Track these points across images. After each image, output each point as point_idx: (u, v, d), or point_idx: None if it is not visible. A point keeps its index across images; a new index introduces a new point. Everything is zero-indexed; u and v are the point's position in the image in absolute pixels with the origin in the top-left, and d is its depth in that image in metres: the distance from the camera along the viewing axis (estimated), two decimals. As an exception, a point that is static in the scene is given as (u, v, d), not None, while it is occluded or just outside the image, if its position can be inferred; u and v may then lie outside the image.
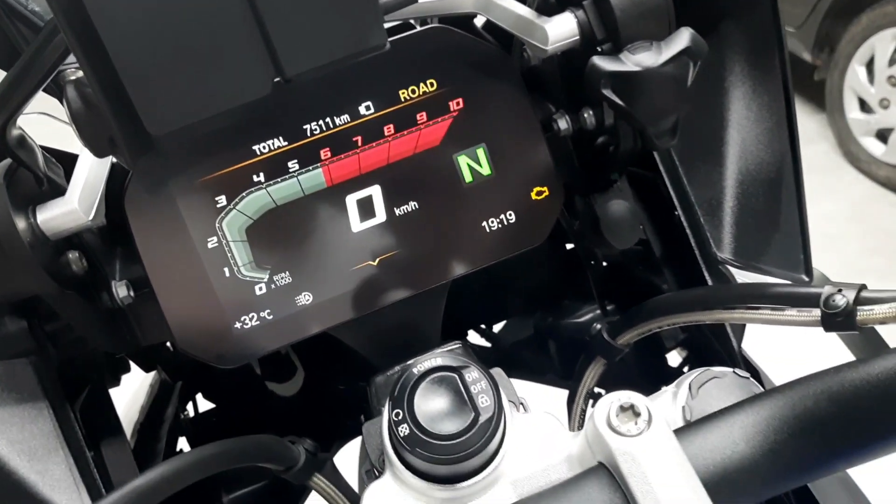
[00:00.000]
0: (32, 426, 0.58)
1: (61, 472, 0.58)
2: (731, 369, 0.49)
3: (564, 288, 0.89)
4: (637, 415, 0.39)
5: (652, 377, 0.85)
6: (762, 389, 0.48)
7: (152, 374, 0.84)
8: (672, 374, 0.84)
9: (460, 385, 0.45)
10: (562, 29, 0.56)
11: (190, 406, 0.87)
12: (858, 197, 3.17)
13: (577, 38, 0.56)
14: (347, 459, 0.93)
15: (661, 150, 0.64)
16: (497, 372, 0.53)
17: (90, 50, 0.38)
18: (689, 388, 0.48)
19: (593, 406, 0.68)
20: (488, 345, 0.93)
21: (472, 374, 0.45)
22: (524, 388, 0.89)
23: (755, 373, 0.63)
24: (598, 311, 0.88)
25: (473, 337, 0.93)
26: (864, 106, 3.18)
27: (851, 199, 3.16)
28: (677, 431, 0.40)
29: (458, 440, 0.43)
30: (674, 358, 0.88)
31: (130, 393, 0.85)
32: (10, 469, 0.56)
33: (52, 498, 0.56)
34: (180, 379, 0.81)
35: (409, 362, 0.56)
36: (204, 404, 0.86)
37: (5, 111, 0.46)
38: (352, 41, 0.41)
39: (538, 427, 0.48)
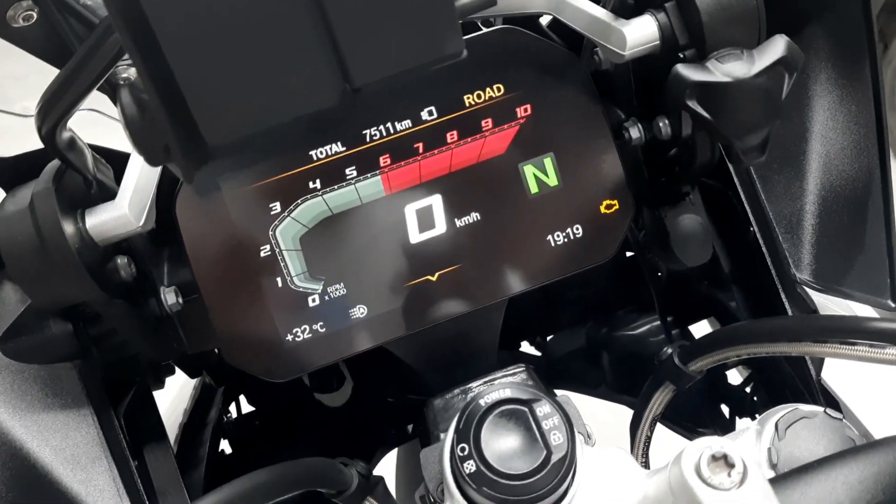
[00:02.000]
0: (76, 433, 0.57)
1: (105, 482, 0.56)
2: (821, 409, 0.45)
3: (620, 298, 0.86)
4: (730, 466, 0.36)
5: (712, 394, 0.81)
6: (856, 433, 0.44)
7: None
8: (732, 393, 0.80)
9: (531, 420, 0.42)
10: (641, 33, 0.52)
11: (233, 406, 0.85)
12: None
13: (658, 43, 0.52)
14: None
15: (746, 166, 0.59)
16: (564, 399, 0.49)
17: (147, 53, 0.35)
18: (776, 427, 0.44)
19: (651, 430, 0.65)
20: (538, 354, 0.90)
21: (544, 409, 0.42)
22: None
23: (835, 404, 0.59)
24: (655, 323, 0.84)
25: (523, 346, 0.90)
26: (917, 104, 3.06)
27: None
28: (773, 485, 0.36)
29: (528, 480, 0.40)
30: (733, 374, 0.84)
31: (174, 392, 0.84)
32: (54, 478, 0.54)
33: None
34: (225, 383, 0.79)
35: (470, 385, 0.53)
36: (247, 404, 0.84)
37: (56, 113, 0.44)
38: (426, 49, 0.38)
39: (610, 464, 0.44)
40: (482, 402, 0.42)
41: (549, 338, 0.89)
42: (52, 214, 0.46)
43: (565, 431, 0.41)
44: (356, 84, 0.37)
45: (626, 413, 0.84)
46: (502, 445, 0.41)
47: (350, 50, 0.36)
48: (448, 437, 0.44)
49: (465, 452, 0.41)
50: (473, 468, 0.40)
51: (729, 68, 0.47)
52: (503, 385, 0.43)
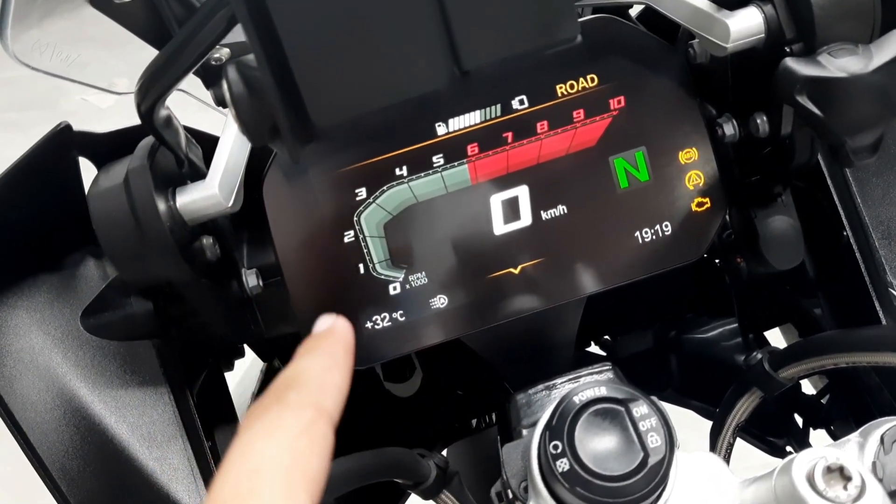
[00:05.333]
0: (153, 411, 0.57)
1: (179, 461, 0.56)
2: (931, 423, 0.43)
3: (692, 300, 0.83)
4: (847, 479, 0.34)
5: (784, 403, 0.78)
6: (970, 450, 0.42)
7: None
8: (807, 402, 0.78)
9: (627, 420, 0.40)
10: (745, 24, 0.50)
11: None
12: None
13: (762, 36, 0.50)
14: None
15: (854, 167, 0.57)
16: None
17: (262, 30, 0.35)
18: (882, 440, 0.42)
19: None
20: (603, 354, 0.88)
21: (642, 409, 0.40)
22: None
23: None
24: (728, 328, 0.82)
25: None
26: None
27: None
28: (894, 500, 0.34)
29: (624, 482, 0.39)
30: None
31: (237, 377, 0.84)
32: (130, 455, 0.55)
33: (169, 487, 0.55)
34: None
35: (554, 382, 0.52)
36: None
37: (156, 90, 0.44)
38: (540, 32, 0.37)
39: (703, 471, 0.43)
40: (576, 399, 0.41)
41: (615, 339, 0.87)
42: (147, 191, 0.46)
43: (663, 434, 0.40)
44: (466, 67, 0.36)
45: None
46: (598, 445, 0.40)
47: (463, 31, 0.35)
48: (536, 434, 0.43)
49: (559, 450, 0.40)
50: (567, 467, 0.39)
51: (843, 63, 0.45)
52: (594, 383, 0.42)
